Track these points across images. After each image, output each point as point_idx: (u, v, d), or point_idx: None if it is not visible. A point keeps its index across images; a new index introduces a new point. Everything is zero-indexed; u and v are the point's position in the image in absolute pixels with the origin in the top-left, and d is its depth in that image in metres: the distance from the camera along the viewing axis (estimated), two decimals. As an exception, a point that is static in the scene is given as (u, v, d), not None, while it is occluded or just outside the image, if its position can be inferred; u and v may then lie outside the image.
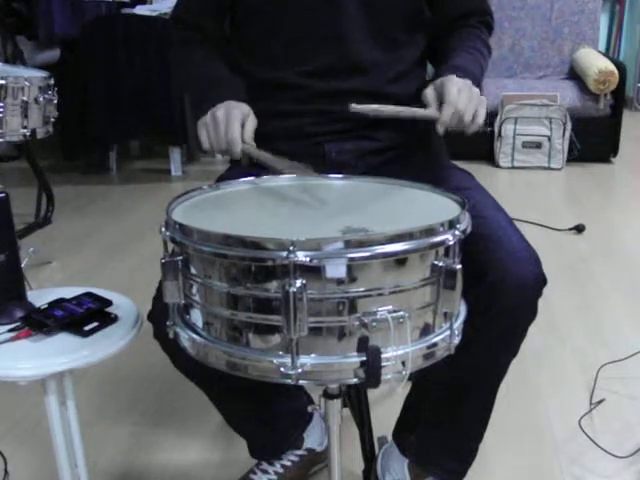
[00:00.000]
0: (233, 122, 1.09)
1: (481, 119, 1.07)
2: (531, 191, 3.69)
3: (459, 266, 0.77)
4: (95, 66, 3.71)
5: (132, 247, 2.80)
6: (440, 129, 1.06)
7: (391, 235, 0.73)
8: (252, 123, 1.12)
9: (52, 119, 2.16)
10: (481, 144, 4.09)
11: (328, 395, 0.92)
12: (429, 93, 1.09)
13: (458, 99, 1.05)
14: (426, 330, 0.80)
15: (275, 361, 0.75)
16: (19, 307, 1.11)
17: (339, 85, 1.20)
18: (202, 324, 0.82)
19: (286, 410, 1.32)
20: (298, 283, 0.71)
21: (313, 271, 0.72)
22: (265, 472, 1.35)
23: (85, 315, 1.09)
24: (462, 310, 0.86)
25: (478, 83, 1.15)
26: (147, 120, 3.75)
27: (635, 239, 2.89)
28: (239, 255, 0.74)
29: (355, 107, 1.04)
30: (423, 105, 1.10)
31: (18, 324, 1.08)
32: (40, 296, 1.16)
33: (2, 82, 1.97)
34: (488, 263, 1.02)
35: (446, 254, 0.78)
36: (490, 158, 4.15)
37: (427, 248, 0.76)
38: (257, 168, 1.15)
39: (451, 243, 0.78)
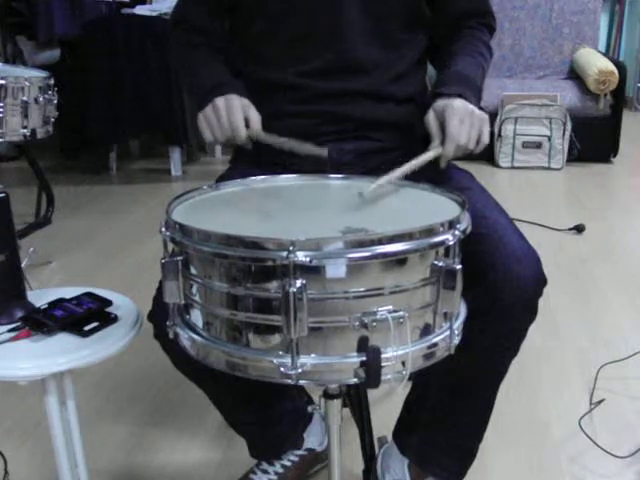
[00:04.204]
0: (234, 108, 1.10)
1: (486, 138, 1.08)
2: (531, 191, 3.69)
3: (459, 266, 0.77)
4: (95, 66, 3.71)
5: (132, 247, 2.80)
6: (443, 164, 1.07)
7: (391, 235, 0.73)
8: (255, 113, 1.13)
9: (52, 119, 2.16)
10: (481, 144, 4.09)
11: (328, 395, 0.92)
12: (431, 121, 1.09)
13: (460, 133, 1.05)
14: (426, 330, 0.80)
15: (275, 361, 0.75)
16: (19, 307, 1.11)
17: (339, 85, 1.20)
18: (202, 324, 0.82)
19: (286, 410, 1.32)
20: (298, 283, 0.71)
21: (313, 271, 0.72)
22: (265, 472, 1.35)
23: (85, 315, 1.09)
24: (462, 310, 0.87)
25: (479, 91, 1.15)
26: (147, 120, 3.75)
27: (635, 239, 2.89)
28: (239, 255, 0.74)
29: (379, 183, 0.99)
30: (424, 108, 1.11)
31: (18, 324, 1.08)
32: (40, 296, 1.16)
33: (2, 82, 1.97)
34: (488, 263, 1.02)
35: (446, 254, 0.78)
36: (490, 158, 4.15)
37: (427, 248, 0.76)
38: (257, 168, 1.15)
39: (451, 243, 0.78)
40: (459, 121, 1.06)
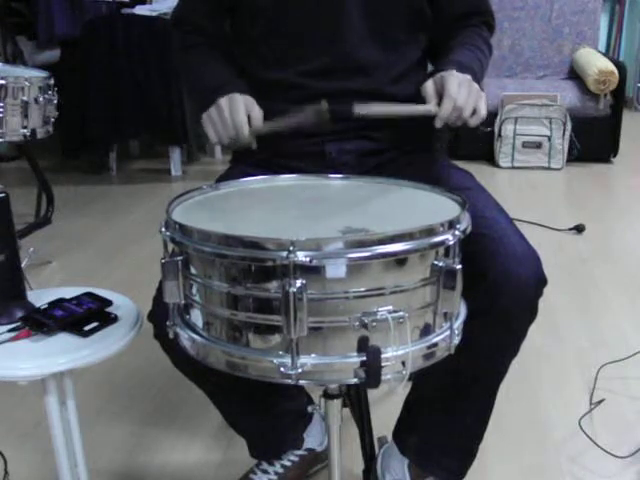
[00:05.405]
0: (237, 107, 1.10)
1: (483, 112, 1.07)
2: (531, 191, 3.69)
3: (459, 266, 0.77)
4: (95, 66, 3.71)
5: (132, 247, 2.80)
6: (438, 124, 1.06)
7: (391, 235, 0.73)
8: (258, 111, 1.13)
9: (52, 119, 2.16)
10: (481, 144, 4.09)
11: (328, 395, 0.92)
12: (429, 87, 1.09)
13: (458, 94, 1.04)
14: (426, 330, 0.80)
15: (275, 361, 0.76)
16: (19, 307, 1.11)
17: (339, 85, 1.20)
18: (202, 324, 0.82)
19: (286, 410, 1.32)
20: (298, 283, 0.71)
21: (313, 271, 0.72)
22: (265, 472, 1.35)
23: (85, 315, 1.09)
24: (462, 310, 0.87)
25: (477, 80, 1.15)
26: (147, 120, 3.75)
27: (635, 239, 2.89)
28: (239, 255, 0.74)
29: (359, 108, 1.05)
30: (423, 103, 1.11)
31: (18, 324, 1.08)
32: (40, 296, 1.16)
33: (2, 82, 1.97)
34: (488, 263, 1.02)
35: (446, 254, 0.78)
36: (490, 158, 4.15)
37: (427, 248, 0.76)
38: (257, 168, 1.15)
39: (451, 243, 0.78)
40: (457, 84, 1.05)
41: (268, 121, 1.11)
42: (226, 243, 0.74)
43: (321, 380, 0.78)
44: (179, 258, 0.80)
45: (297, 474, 1.37)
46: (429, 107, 1.06)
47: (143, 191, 3.68)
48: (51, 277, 2.54)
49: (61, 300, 1.13)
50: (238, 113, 1.10)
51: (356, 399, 1.21)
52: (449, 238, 0.77)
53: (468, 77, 1.08)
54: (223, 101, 1.12)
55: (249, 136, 1.10)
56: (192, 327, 0.83)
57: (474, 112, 1.06)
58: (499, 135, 4.08)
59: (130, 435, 1.60)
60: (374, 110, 1.06)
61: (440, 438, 1.23)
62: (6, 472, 1.44)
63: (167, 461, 1.52)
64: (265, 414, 1.29)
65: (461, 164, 1.25)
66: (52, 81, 2.16)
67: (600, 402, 1.68)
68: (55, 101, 2.16)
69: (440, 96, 1.06)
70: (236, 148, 1.18)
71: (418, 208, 0.93)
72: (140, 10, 3.82)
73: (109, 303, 1.14)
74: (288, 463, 1.36)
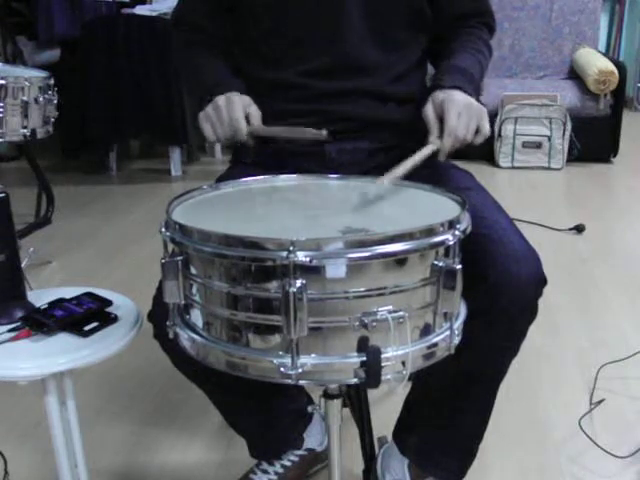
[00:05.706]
0: (235, 106, 1.11)
1: (487, 130, 1.08)
2: (531, 191, 3.69)
3: (459, 266, 0.77)
4: (95, 66, 3.71)
5: (132, 247, 2.80)
6: (442, 158, 1.08)
7: (391, 235, 0.73)
8: (256, 110, 1.14)
9: (52, 119, 2.17)
10: (481, 144, 4.07)
11: (328, 395, 0.92)
12: (430, 114, 1.10)
13: (458, 126, 1.06)
14: (426, 330, 0.80)
15: (275, 361, 0.76)
16: (19, 307, 1.11)
17: (339, 85, 1.20)
18: (202, 324, 0.82)
19: (286, 410, 1.32)
20: (298, 283, 0.71)
21: (313, 271, 0.72)
22: (265, 472, 1.35)
23: (85, 315, 1.09)
24: (462, 310, 0.87)
25: (478, 85, 1.15)
26: (147, 120, 3.75)
27: (635, 239, 2.89)
28: (239, 255, 0.74)
29: (383, 181, 1.00)
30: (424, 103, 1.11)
31: (18, 324, 1.08)
32: (40, 296, 1.16)
33: (2, 82, 1.97)
34: (488, 263, 1.02)
35: (446, 254, 0.78)
36: (490, 158, 4.15)
37: (427, 248, 0.76)
38: (257, 168, 1.15)
39: (451, 243, 0.78)
40: (457, 114, 1.06)
41: (267, 125, 1.11)
42: (226, 243, 0.74)
43: (321, 380, 0.78)
44: (179, 258, 0.80)
45: (297, 474, 1.37)
46: (431, 147, 1.07)
47: (143, 191, 3.68)
48: (51, 277, 2.54)
49: (61, 300, 1.13)
50: (235, 112, 1.11)
51: (356, 399, 1.21)
52: (449, 238, 0.77)
53: (468, 99, 1.08)
54: (220, 100, 1.13)
55: (247, 135, 1.11)
56: (192, 327, 0.83)
57: (477, 131, 1.07)
58: (499, 135, 4.08)
59: (130, 435, 1.60)
60: (397, 174, 1.00)
61: (440, 438, 1.23)
62: (6, 472, 1.44)
63: (167, 461, 1.52)
64: (265, 414, 1.29)
65: (461, 164, 1.25)
66: (52, 81, 2.17)
67: (600, 402, 1.68)
68: (55, 101, 2.17)
69: (441, 120, 1.08)
70: (232, 144, 1.18)
71: (418, 208, 0.93)
72: (140, 10, 3.82)
73: (109, 303, 1.14)
74: (288, 463, 1.36)
